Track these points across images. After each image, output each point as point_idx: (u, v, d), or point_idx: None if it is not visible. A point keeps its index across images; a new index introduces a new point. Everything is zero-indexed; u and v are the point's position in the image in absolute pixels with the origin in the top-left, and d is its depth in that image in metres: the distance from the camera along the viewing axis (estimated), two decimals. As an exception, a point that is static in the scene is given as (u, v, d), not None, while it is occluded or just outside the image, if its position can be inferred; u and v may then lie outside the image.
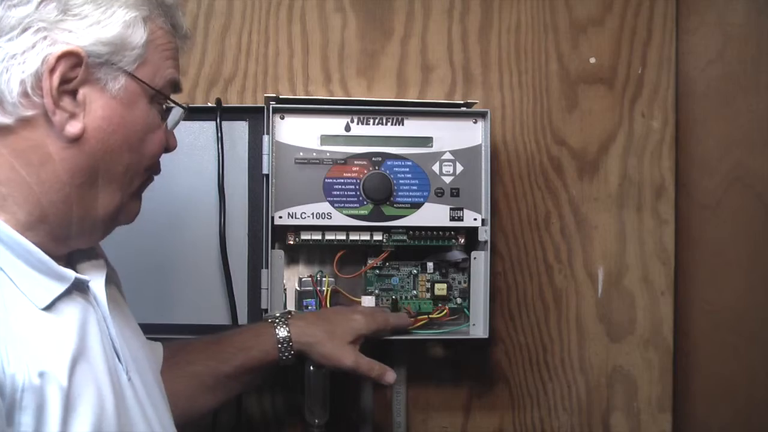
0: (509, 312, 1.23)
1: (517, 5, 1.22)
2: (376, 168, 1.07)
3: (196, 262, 1.10)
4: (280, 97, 1.08)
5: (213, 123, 1.09)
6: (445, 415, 1.23)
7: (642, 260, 1.23)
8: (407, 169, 1.07)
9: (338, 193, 1.06)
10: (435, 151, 1.08)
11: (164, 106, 0.73)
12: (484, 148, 1.09)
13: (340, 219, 1.06)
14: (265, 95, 1.08)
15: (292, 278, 1.13)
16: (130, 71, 0.66)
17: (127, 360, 0.70)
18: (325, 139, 1.07)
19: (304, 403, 1.10)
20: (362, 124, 1.07)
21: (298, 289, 1.11)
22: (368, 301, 1.10)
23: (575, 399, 1.24)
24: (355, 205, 1.06)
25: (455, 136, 1.08)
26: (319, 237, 1.07)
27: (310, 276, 1.11)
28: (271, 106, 1.06)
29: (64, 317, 0.64)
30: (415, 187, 1.07)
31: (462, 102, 1.11)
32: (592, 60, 1.23)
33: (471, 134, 1.09)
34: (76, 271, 0.68)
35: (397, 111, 1.08)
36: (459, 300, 1.13)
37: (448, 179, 1.08)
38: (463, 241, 1.10)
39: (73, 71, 0.63)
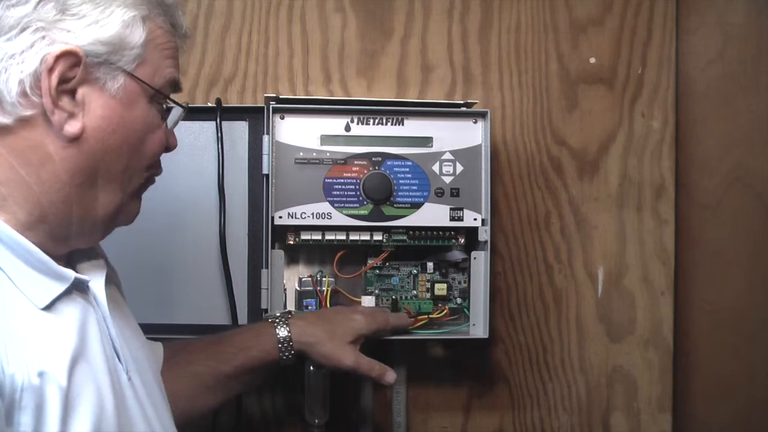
0: (509, 312, 1.23)
1: (517, 5, 1.22)
2: (376, 168, 1.07)
3: (196, 262, 1.10)
4: (280, 97, 1.08)
5: (213, 123, 1.09)
6: (445, 415, 1.23)
7: (642, 260, 1.23)
8: (407, 169, 1.07)
9: (338, 193, 1.06)
10: (435, 151, 1.08)
11: (164, 106, 0.73)
12: (484, 148, 1.09)
13: (340, 219, 1.06)
14: (265, 95, 1.08)
15: (292, 278, 1.13)
16: (129, 71, 0.66)
17: (127, 360, 0.70)
18: (325, 139, 1.07)
19: (304, 403, 1.10)
20: (362, 124, 1.07)
21: (298, 289, 1.11)
22: (368, 301, 1.10)
23: (575, 399, 1.24)
24: (355, 205, 1.06)
25: (455, 136, 1.08)
26: (319, 237, 1.07)
27: (310, 276, 1.11)
28: (271, 106, 1.06)
29: (64, 317, 0.64)
30: (415, 187, 1.07)
31: (462, 102, 1.11)
32: (592, 60, 1.23)
33: (471, 134, 1.09)
34: (76, 271, 0.68)
35: (397, 111, 1.08)
36: (459, 300, 1.13)
37: (448, 179, 1.08)
38: (463, 241, 1.10)
39: (72, 71, 0.63)
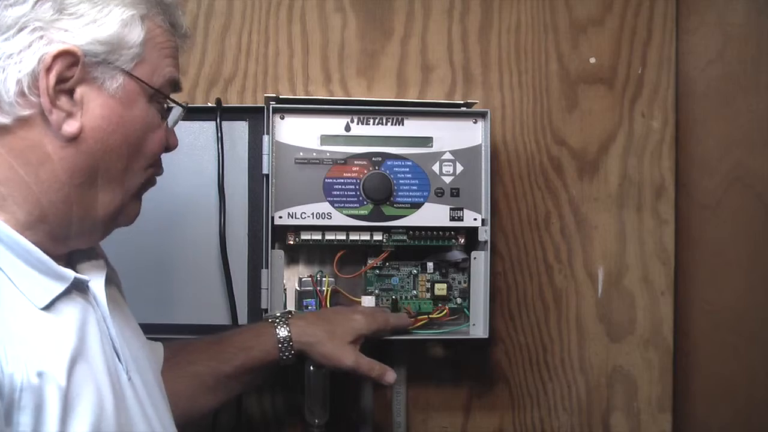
0: (509, 312, 1.23)
1: (517, 5, 1.22)
2: (376, 168, 1.07)
3: (196, 262, 1.10)
4: (280, 97, 1.08)
5: (213, 123, 1.09)
6: (445, 415, 1.23)
7: (642, 260, 1.23)
8: (407, 169, 1.07)
9: (338, 193, 1.06)
10: (435, 151, 1.08)
11: (165, 106, 0.73)
12: (484, 148, 1.09)
13: (340, 219, 1.06)
14: (265, 95, 1.08)
15: (292, 278, 1.13)
16: (127, 70, 0.66)
17: (127, 360, 0.70)
18: (325, 139, 1.07)
19: (304, 403, 1.10)
20: (362, 124, 1.07)
21: (298, 289, 1.11)
22: (368, 301, 1.10)
23: (575, 399, 1.24)
24: (355, 205, 1.06)
25: (455, 136, 1.08)
26: (319, 237, 1.07)
27: (310, 276, 1.11)
28: (271, 106, 1.06)
29: (64, 317, 0.64)
30: (415, 187, 1.07)
31: (462, 102, 1.11)
32: (592, 60, 1.23)
33: (471, 134, 1.09)
34: (76, 272, 0.68)
35: (397, 111, 1.08)
36: (459, 300, 1.13)
37: (448, 179, 1.08)
38: (463, 241, 1.10)
39: (70, 70, 0.63)
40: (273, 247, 1.06)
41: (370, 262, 1.11)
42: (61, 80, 0.63)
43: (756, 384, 1.10)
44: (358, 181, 1.06)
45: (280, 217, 1.05)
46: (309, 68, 1.20)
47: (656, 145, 1.24)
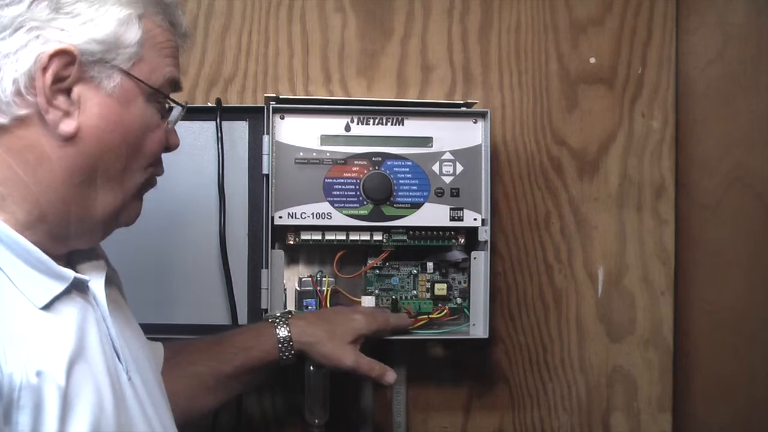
0: (509, 312, 1.23)
1: (517, 5, 1.22)
2: (376, 168, 1.07)
3: (196, 262, 1.10)
4: (280, 97, 1.08)
5: (213, 123, 1.09)
6: (445, 415, 1.23)
7: (642, 260, 1.23)
8: (407, 169, 1.07)
9: (338, 193, 1.06)
10: (435, 151, 1.08)
11: (167, 105, 0.72)
12: (484, 148, 1.09)
13: (340, 219, 1.06)
14: (265, 95, 1.08)
15: (292, 278, 1.13)
16: (125, 69, 0.66)
17: (127, 360, 0.70)
18: (325, 139, 1.07)
19: (304, 403, 1.10)
20: (362, 124, 1.07)
21: (298, 289, 1.11)
22: (368, 301, 1.10)
23: (575, 399, 1.24)
24: (355, 205, 1.06)
25: (455, 136, 1.08)
26: (319, 237, 1.07)
27: (310, 276, 1.11)
28: (271, 106, 1.06)
29: (63, 317, 0.64)
30: (415, 187, 1.07)
31: (462, 102, 1.11)
32: (592, 60, 1.23)
33: (471, 134, 1.09)
34: (76, 272, 0.68)
35: (397, 111, 1.08)
36: (459, 300, 1.13)
37: (448, 179, 1.08)
38: (463, 241, 1.10)
39: (67, 70, 0.63)
40: (273, 247, 1.06)
41: (370, 262, 1.11)
42: (57, 79, 0.63)
43: (756, 384, 1.10)
44: (358, 181, 1.06)
45: (280, 217, 1.05)
46: (309, 68, 1.20)
47: (656, 145, 1.24)
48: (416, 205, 1.07)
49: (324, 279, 1.10)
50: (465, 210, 1.08)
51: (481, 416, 1.23)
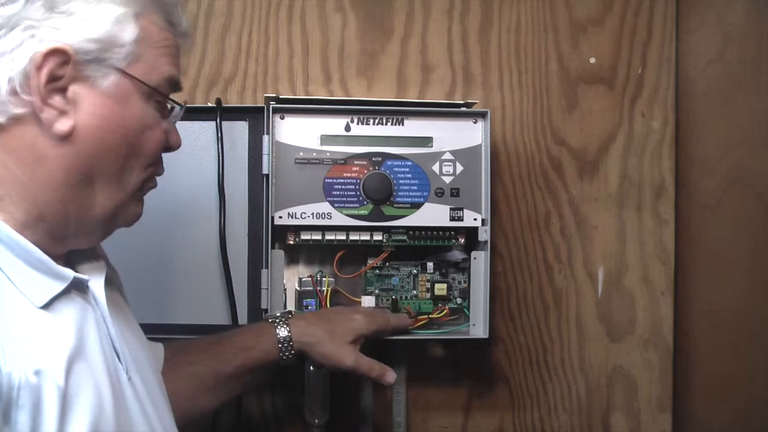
0: (509, 312, 1.23)
1: (517, 5, 1.22)
2: (376, 168, 1.07)
3: (196, 262, 1.10)
4: (280, 97, 1.08)
5: (213, 123, 1.09)
6: (445, 415, 1.23)
7: (642, 260, 1.23)
8: (407, 169, 1.07)
9: (338, 193, 1.06)
10: (435, 151, 1.08)
11: (169, 106, 0.72)
12: (484, 148, 1.09)
13: (340, 219, 1.06)
14: (265, 95, 1.08)
15: (292, 278, 1.13)
16: (121, 68, 0.66)
17: (127, 360, 0.70)
18: (325, 139, 1.07)
19: (304, 403, 1.10)
20: (362, 124, 1.07)
21: (298, 289, 1.11)
22: (368, 301, 1.10)
23: (575, 399, 1.24)
24: (355, 205, 1.06)
25: (455, 136, 1.08)
26: (319, 237, 1.07)
27: (310, 276, 1.11)
28: (271, 106, 1.06)
29: (62, 316, 0.64)
30: (415, 187, 1.07)
31: (462, 102, 1.11)
32: (592, 60, 1.23)
33: (471, 134, 1.09)
34: (76, 272, 0.67)
35: (397, 111, 1.08)
36: (459, 300, 1.13)
37: (448, 179, 1.08)
38: (463, 241, 1.10)
39: (62, 69, 0.63)
40: (273, 247, 1.06)
41: (370, 262, 1.11)
42: (52, 78, 0.63)
43: (756, 384, 1.10)
44: (358, 181, 1.06)
45: (280, 217, 1.05)
46: (309, 68, 1.20)
47: (656, 145, 1.24)
48: (416, 205, 1.07)
49: (324, 279, 1.10)
50: (465, 210, 1.08)
51: (481, 416, 1.23)
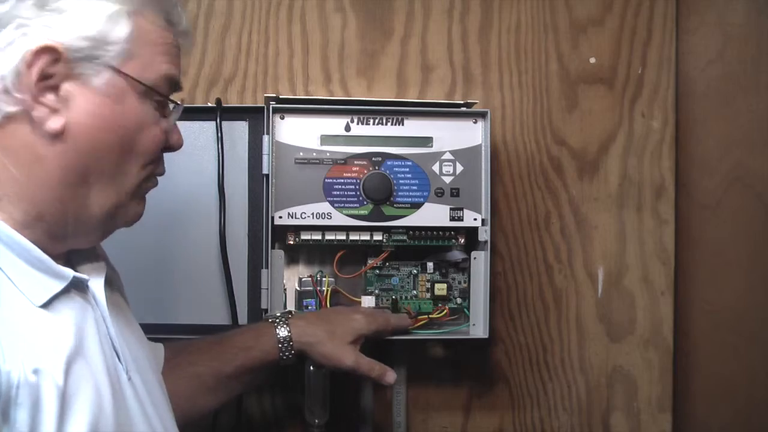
0: (509, 312, 1.23)
1: (517, 5, 1.22)
2: (376, 168, 1.07)
3: (196, 262, 1.10)
4: (280, 97, 1.08)
5: (213, 123, 1.09)
6: (445, 415, 1.23)
7: (642, 260, 1.23)
8: (407, 169, 1.07)
9: (338, 193, 1.06)
10: (435, 151, 1.08)
11: (170, 105, 0.72)
12: (484, 148, 1.09)
13: (340, 219, 1.06)
14: (265, 95, 1.08)
15: (292, 278, 1.13)
16: (114, 66, 0.65)
17: (127, 360, 0.70)
18: (325, 139, 1.07)
19: (304, 403, 1.10)
20: (362, 124, 1.07)
21: (298, 289, 1.11)
22: (368, 301, 1.10)
23: (575, 399, 1.24)
24: (355, 205, 1.06)
25: (455, 136, 1.08)
26: (319, 237, 1.07)
27: (310, 276, 1.11)
28: (271, 106, 1.06)
29: (62, 316, 0.64)
30: (415, 187, 1.07)
31: (462, 102, 1.11)
32: (592, 60, 1.23)
33: (471, 134, 1.09)
34: (76, 272, 0.67)
35: (397, 111, 1.08)
36: (459, 300, 1.13)
37: (448, 179, 1.08)
38: (463, 241, 1.10)
39: (53, 67, 0.63)
40: (273, 247, 1.06)
41: (370, 262, 1.11)
42: (44, 77, 0.62)
43: (756, 384, 1.10)
44: (358, 181, 1.06)
45: (280, 217, 1.05)
46: (309, 68, 1.20)
47: (656, 145, 1.24)
48: (416, 205, 1.07)
49: (324, 279, 1.10)
50: (465, 210, 1.08)
51: (481, 416, 1.23)
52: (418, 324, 1.10)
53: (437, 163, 1.08)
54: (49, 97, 0.63)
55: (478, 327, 1.09)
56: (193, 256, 1.10)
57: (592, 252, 1.23)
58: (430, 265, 1.12)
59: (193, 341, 0.97)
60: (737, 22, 1.16)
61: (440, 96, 1.21)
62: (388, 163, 1.07)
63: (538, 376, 1.23)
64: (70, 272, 0.66)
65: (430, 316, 1.11)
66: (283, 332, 0.96)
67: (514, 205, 1.22)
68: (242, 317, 1.09)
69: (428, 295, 1.12)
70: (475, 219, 1.08)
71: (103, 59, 0.65)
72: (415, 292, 1.12)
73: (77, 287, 0.67)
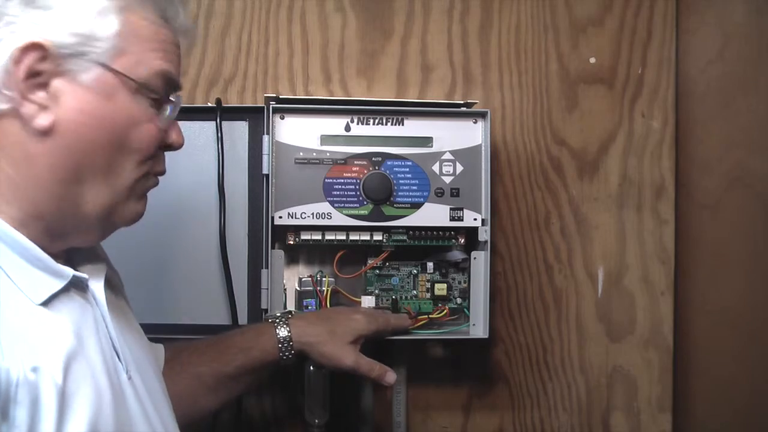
0: (509, 312, 1.23)
1: (517, 5, 1.22)
2: (376, 168, 1.07)
3: (196, 261, 1.10)
4: (280, 97, 1.08)
5: (213, 123, 1.09)
6: (445, 415, 1.23)
7: (642, 260, 1.23)
8: (407, 169, 1.07)
9: (338, 193, 1.06)
10: (435, 151, 1.08)
11: (171, 101, 0.70)
12: (484, 148, 1.09)
13: (340, 219, 1.06)
14: (265, 95, 1.08)
15: (292, 278, 1.13)
16: (102, 62, 0.64)
17: (127, 359, 0.70)
18: (325, 139, 1.07)
19: (304, 403, 1.10)
20: (362, 124, 1.07)
21: (298, 289, 1.11)
22: (368, 301, 1.10)
23: (575, 399, 1.24)
24: (355, 205, 1.06)
25: (455, 136, 1.08)
26: (319, 237, 1.07)
27: (310, 276, 1.11)
28: (271, 106, 1.06)
29: (61, 314, 0.64)
30: (415, 187, 1.07)
31: (462, 102, 1.11)
32: (592, 60, 1.23)
33: (471, 134, 1.09)
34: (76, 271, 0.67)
35: (397, 111, 1.08)
36: (459, 300, 1.13)
37: (448, 179, 1.08)
38: (463, 241, 1.10)
39: (41, 64, 0.62)
40: (273, 247, 1.05)
41: (370, 262, 1.11)
42: (32, 74, 0.62)
43: (756, 384, 1.10)
44: (358, 181, 1.06)
45: (280, 217, 1.05)
46: (309, 68, 1.20)
47: (656, 145, 1.24)
48: (416, 205, 1.07)
49: (324, 279, 1.10)
50: (465, 210, 1.08)
51: (481, 416, 1.23)
52: (418, 324, 1.10)
53: (437, 163, 1.08)
54: (39, 95, 0.63)
55: (478, 327, 1.09)
56: (193, 256, 1.10)
57: (592, 252, 1.23)
58: (430, 265, 1.12)
59: (193, 342, 0.97)
60: (737, 22, 1.16)
61: (440, 96, 1.21)
62: (388, 163, 1.07)
63: (538, 376, 1.23)
64: (69, 271, 0.65)
65: (430, 316, 1.11)
66: (283, 332, 0.96)
67: (514, 205, 1.22)
68: (242, 317, 1.09)
69: (428, 295, 1.12)
70: (475, 219, 1.08)
71: (92, 55, 0.64)
72: (415, 292, 1.12)
73: (77, 286, 0.67)
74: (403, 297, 1.12)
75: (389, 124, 1.08)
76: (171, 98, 0.70)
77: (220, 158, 1.09)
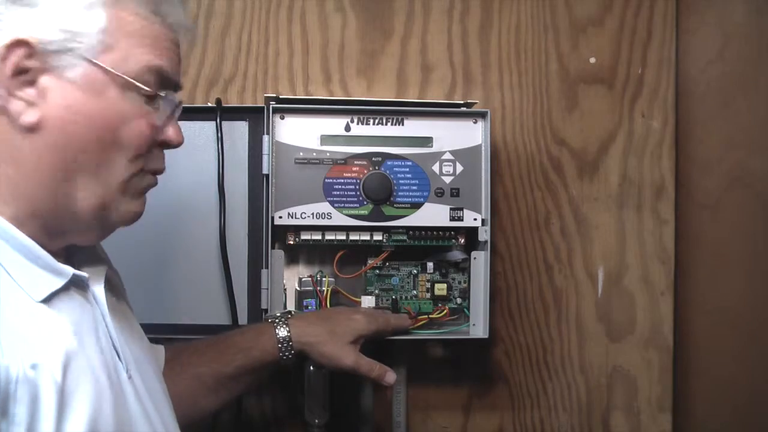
0: (509, 312, 1.23)
1: (517, 5, 1.22)
2: (376, 168, 1.07)
3: (196, 261, 1.10)
4: (280, 97, 1.08)
5: (213, 123, 1.09)
6: (445, 415, 1.23)
7: (642, 260, 1.23)
8: (407, 169, 1.07)
9: (338, 193, 1.06)
10: (435, 151, 1.08)
11: (165, 97, 0.69)
12: (484, 148, 1.09)
13: (340, 219, 1.06)
14: (265, 95, 1.08)
15: (292, 278, 1.13)
16: (89, 58, 0.64)
17: (127, 359, 0.70)
18: (325, 139, 1.07)
19: (304, 403, 1.10)
20: (362, 124, 1.07)
21: (298, 289, 1.11)
22: (368, 301, 1.10)
23: (575, 399, 1.24)
24: (355, 205, 1.06)
25: (455, 136, 1.08)
26: (319, 237, 1.07)
27: (310, 276, 1.11)
28: (271, 106, 1.06)
29: (61, 313, 0.64)
30: (415, 187, 1.07)
31: (462, 102, 1.11)
32: (592, 60, 1.23)
33: (471, 134, 1.09)
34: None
35: (397, 111, 1.08)
36: (459, 300, 1.13)
37: (448, 179, 1.08)
38: (463, 241, 1.10)
39: (28, 60, 0.62)
40: (273, 247, 1.05)
41: (370, 262, 1.11)
42: (20, 71, 0.62)
43: (756, 384, 1.10)
44: (358, 181, 1.06)
45: (280, 217, 1.05)
46: (309, 68, 1.20)
47: (656, 145, 1.24)
48: (416, 205, 1.07)
49: (324, 279, 1.10)
50: (465, 210, 1.08)
51: (481, 416, 1.23)
52: (418, 324, 1.10)
53: (437, 163, 1.08)
54: (27, 91, 0.63)
55: (478, 327, 1.09)
56: (193, 256, 1.10)
57: (592, 252, 1.23)
58: (430, 265, 1.12)
59: (194, 342, 0.97)
60: (737, 22, 1.16)
61: (440, 96, 1.21)
62: (388, 163, 1.07)
63: (538, 376, 1.23)
64: (69, 269, 0.65)
65: (430, 316, 1.11)
66: (282, 332, 0.96)
67: (514, 205, 1.22)
68: (242, 317, 1.09)
69: (428, 295, 1.12)
70: (475, 219, 1.08)
71: (78, 51, 0.63)
72: (415, 292, 1.12)
73: (77, 286, 0.67)
74: (403, 297, 1.12)
75: (389, 124, 1.08)
76: (161, 93, 0.69)
77: (220, 158, 1.09)
